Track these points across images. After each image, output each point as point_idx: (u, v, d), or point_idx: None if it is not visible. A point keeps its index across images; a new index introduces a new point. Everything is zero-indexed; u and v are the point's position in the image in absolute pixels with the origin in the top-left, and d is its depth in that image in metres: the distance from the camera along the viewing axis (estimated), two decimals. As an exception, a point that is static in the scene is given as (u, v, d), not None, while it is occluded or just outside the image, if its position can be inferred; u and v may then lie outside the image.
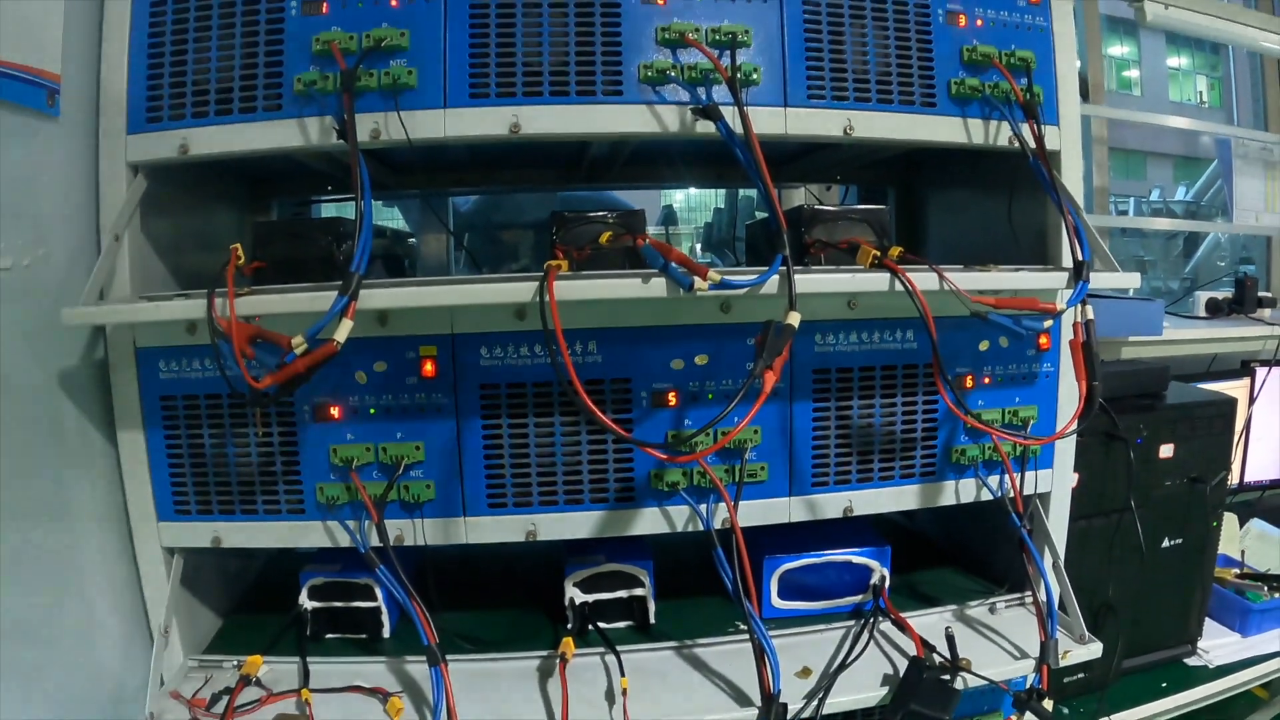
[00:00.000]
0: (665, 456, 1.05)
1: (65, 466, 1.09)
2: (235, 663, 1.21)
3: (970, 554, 1.51)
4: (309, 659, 1.20)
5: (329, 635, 1.29)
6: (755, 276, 0.99)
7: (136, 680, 1.17)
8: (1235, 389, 2.40)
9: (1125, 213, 3.02)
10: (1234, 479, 2.47)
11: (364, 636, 1.28)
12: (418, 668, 1.20)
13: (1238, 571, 2.03)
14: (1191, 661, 1.83)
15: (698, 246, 2.79)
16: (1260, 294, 2.52)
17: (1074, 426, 1.15)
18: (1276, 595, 1.95)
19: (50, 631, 1.06)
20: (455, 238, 2.01)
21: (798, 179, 1.83)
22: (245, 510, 1.15)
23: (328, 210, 1.74)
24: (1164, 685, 1.75)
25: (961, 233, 1.57)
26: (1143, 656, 1.76)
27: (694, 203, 2.52)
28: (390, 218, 2.39)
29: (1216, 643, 1.87)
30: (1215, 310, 2.49)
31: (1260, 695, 3.15)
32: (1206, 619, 1.90)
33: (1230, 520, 2.25)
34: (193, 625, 1.25)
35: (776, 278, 1.00)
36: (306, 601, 1.27)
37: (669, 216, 2.73)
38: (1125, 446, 1.55)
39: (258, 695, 1.15)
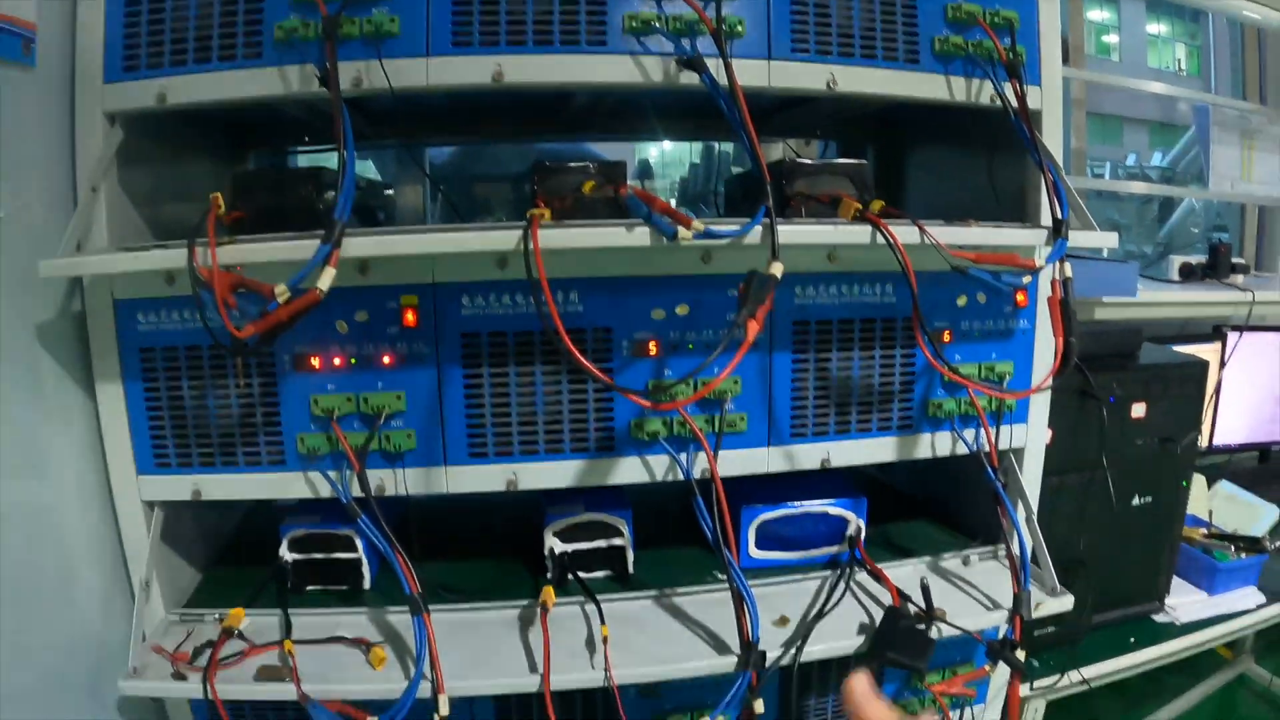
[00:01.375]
0: (648, 403, 1.06)
1: (43, 421, 1.09)
2: (217, 616, 1.22)
3: (943, 508, 1.55)
4: (290, 611, 1.21)
5: (310, 587, 1.30)
6: (739, 227, 1.00)
7: (118, 636, 1.17)
8: (1206, 352, 2.44)
9: (1101, 176, 3.06)
10: (1204, 441, 2.53)
11: (345, 588, 1.30)
12: (399, 618, 1.22)
13: (1205, 531, 2.08)
14: (1159, 618, 1.88)
15: (673, 201, 2.81)
16: (1234, 260, 2.57)
17: (1050, 381, 1.18)
18: (1243, 555, 2.00)
19: (31, 589, 1.07)
20: (433, 187, 2.00)
21: (777, 134, 1.84)
22: (225, 462, 1.15)
23: (305, 161, 1.74)
24: (1132, 640, 1.79)
25: (940, 191, 1.59)
26: (1112, 612, 1.80)
27: (669, 158, 2.53)
28: (363, 169, 2.38)
29: (1184, 600, 1.92)
30: (1189, 274, 2.54)
31: (1224, 654, 3.24)
32: (1174, 577, 1.95)
33: (1199, 481, 2.30)
34: (173, 579, 1.25)
35: (760, 228, 1.01)
36: (287, 554, 1.28)
37: (645, 170, 2.73)
38: (1098, 405, 1.58)
39: (240, 648, 1.16)
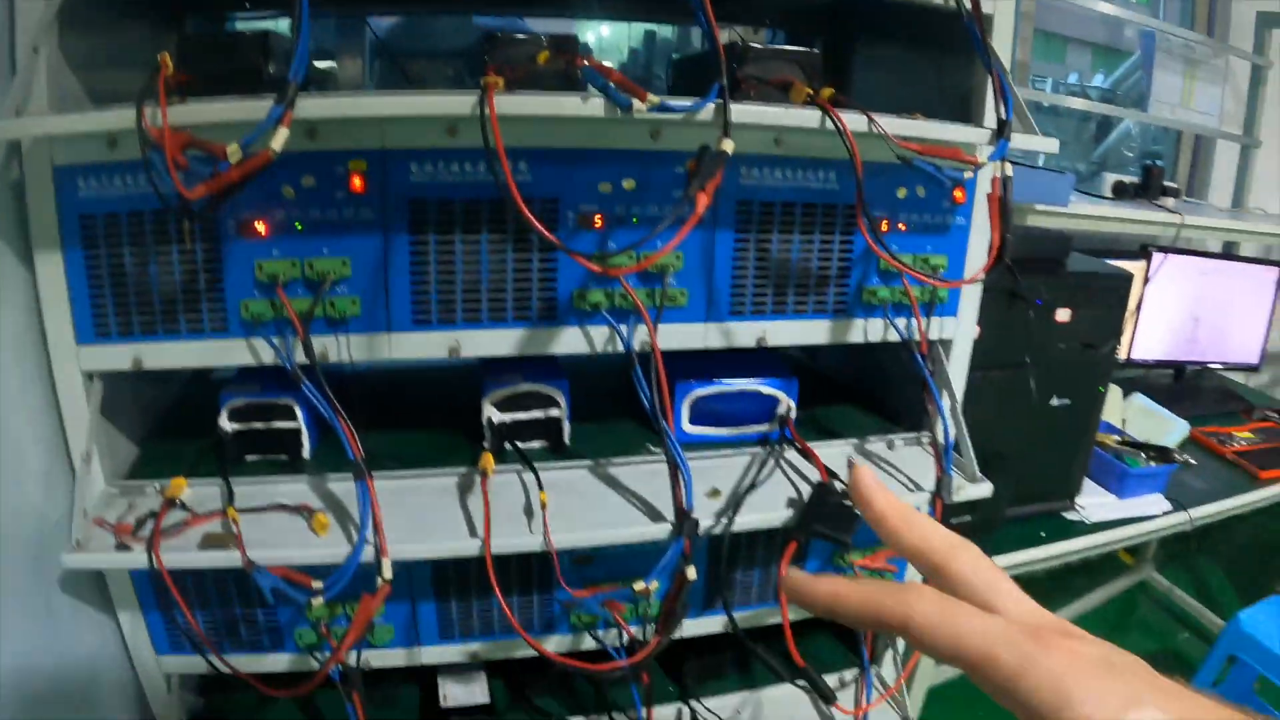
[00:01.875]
0: (597, 267, 1.08)
1: None
2: (158, 487, 1.22)
3: (870, 395, 1.61)
4: (231, 480, 1.22)
5: (249, 457, 1.31)
6: (693, 102, 1.02)
7: (59, 511, 1.18)
8: (1131, 270, 2.55)
9: (1043, 90, 3.13)
10: (1122, 354, 2.64)
11: (284, 457, 1.31)
12: (339, 485, 1.24)
13: (1118, 439, 2.19)
14: (1070, 515, 2.00)
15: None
16: (1165, 183, 2.65)
17: (984, 274, 1.24)
18: (1153, 463, 2.11)
19: None
20: (378, 57, 1.98)
21: (725, 19, 1.84)
22: (167, 330, 1.14)
23: (241, 27, 1.70)
24: (1043, 535, 1.91)
25: (887, 88, 1.61)
26: (1025, 506, 1.91)
27: (607, 43, 2.50)
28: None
29: (1094, 501, 2.04)
30: (1121, 192, 2.61)
31: (1127, 560, 3.43)
32: (1087, 480, 2.06)
33: (1115, 392, 2.43)
34: (112, 453, 1.25)
35: (712, 106, 1.03)
36: (226, 423, 1.28)
37: (585, 51, 2.73)
38: (1026, 306, 1.65)
39: (183, 518, 1.16)
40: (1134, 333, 2.65)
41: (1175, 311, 2.74)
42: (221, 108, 0.98)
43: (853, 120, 1.09)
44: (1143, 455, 2.12)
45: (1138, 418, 2.42)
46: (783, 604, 1.32)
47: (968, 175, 1.25)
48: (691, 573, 1.15)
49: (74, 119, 1.01)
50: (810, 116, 1.09)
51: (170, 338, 1.15)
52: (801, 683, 1.41)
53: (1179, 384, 2.88)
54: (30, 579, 1.15)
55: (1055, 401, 1.81)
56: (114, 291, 1.13)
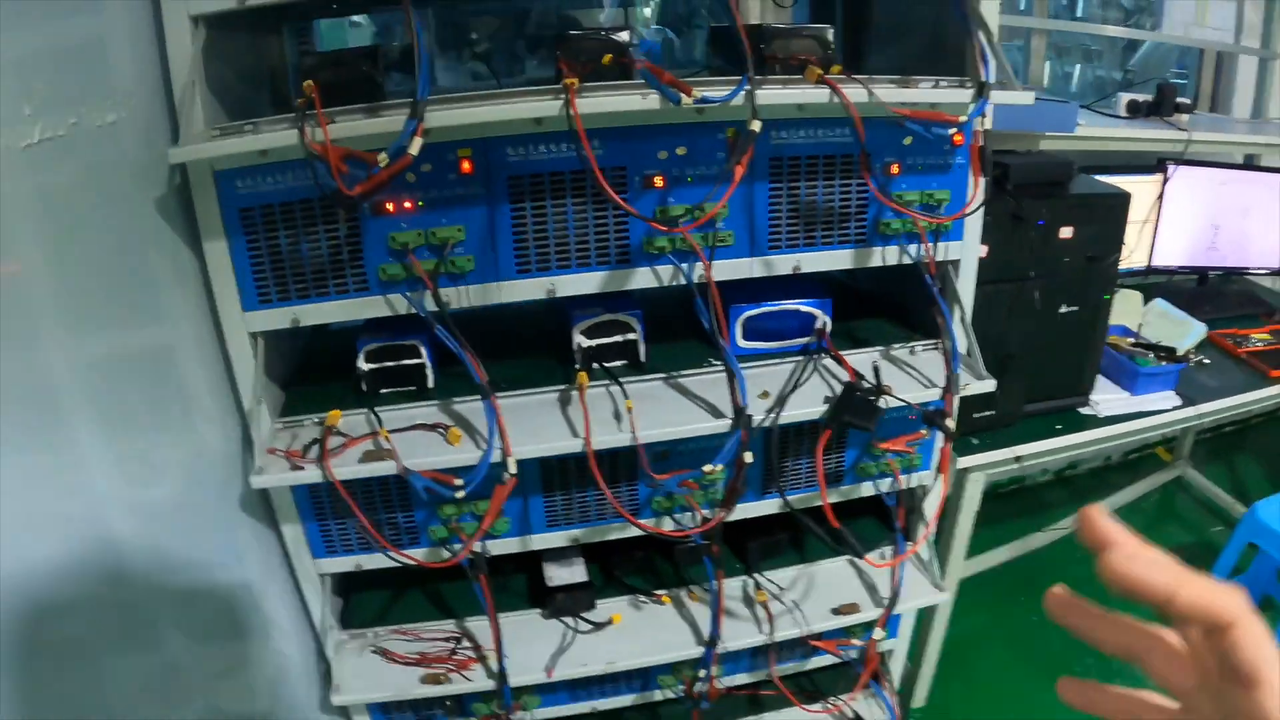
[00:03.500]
0: (663, 226, 1.42)
1: (162, 279, 1.38)
2: (316, 419, 1.57)
3: (898, 308, 1.89)
4: (375, 410, 1.58)
5: (384, 390, 1.64)
6: (727, 93, 1.33)
7: (234, 448, 1.53)
8: (1152, 182, 2.82)
9: (1075, 3, 3.37)
10: (1145, 262, 2.91)
11: (413, 388, 1.64)
12: (463, 405, 1.59)
13: (1132, 341, 2.47)
14: (1085, 410, 2.28)
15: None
16: (1179, 99, 2.88)
17: (969, 210, 1.57)
18: (1163, 362, 2.39)
19: (160, 418, 1.36)
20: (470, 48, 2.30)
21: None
22: (319, 294, 1.47)
23: (326, 25, 2.03)
24: (1058, 427, 2.20)
25: (900, 49, 1.85)
26: (1042, 403, 2.21)
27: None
28: (361, 36, 2.66)
29: (1107, 397, 2.32)
30: (1135, 111, 2.84)
31: (1165, 457, 3.71)
32: (1102, 379, 2.34)
33: (1135, 297, 2.69)
34: (270, 397, 1.58)
35: (743, 94, 1.34)
36: (364, 364, 1.61)
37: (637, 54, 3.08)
38: (1028, 227, 1.95)
39: (340, 442, 1.51)
40: (1154, 241, 2.91)
41: (1195, 220, 2.99)
42: (369, 123, 1.31)
43: (854, 93, 1.40)
44: (1153, 355, 2.40)
45: (1157, 321, 2.68)
46: (821, 482, 1.64)
47: (952, 131, 1.53)
48: (749, 457, 1.51)
49: (246, 140, 1.32)
50: (820, 94, 1.41)
51: (321, 299, 1.48)
52: (845, 554, 1.76)
53: (1202, 288, 3.13)
54: (217, 502, 1.52)
55: (1064, 309, 2.09)
56: (272, 266, 1.46)
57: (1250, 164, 3.26)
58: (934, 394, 1.64)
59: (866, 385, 1.59)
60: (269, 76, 1.81)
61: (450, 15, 2.58)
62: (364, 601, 1.86)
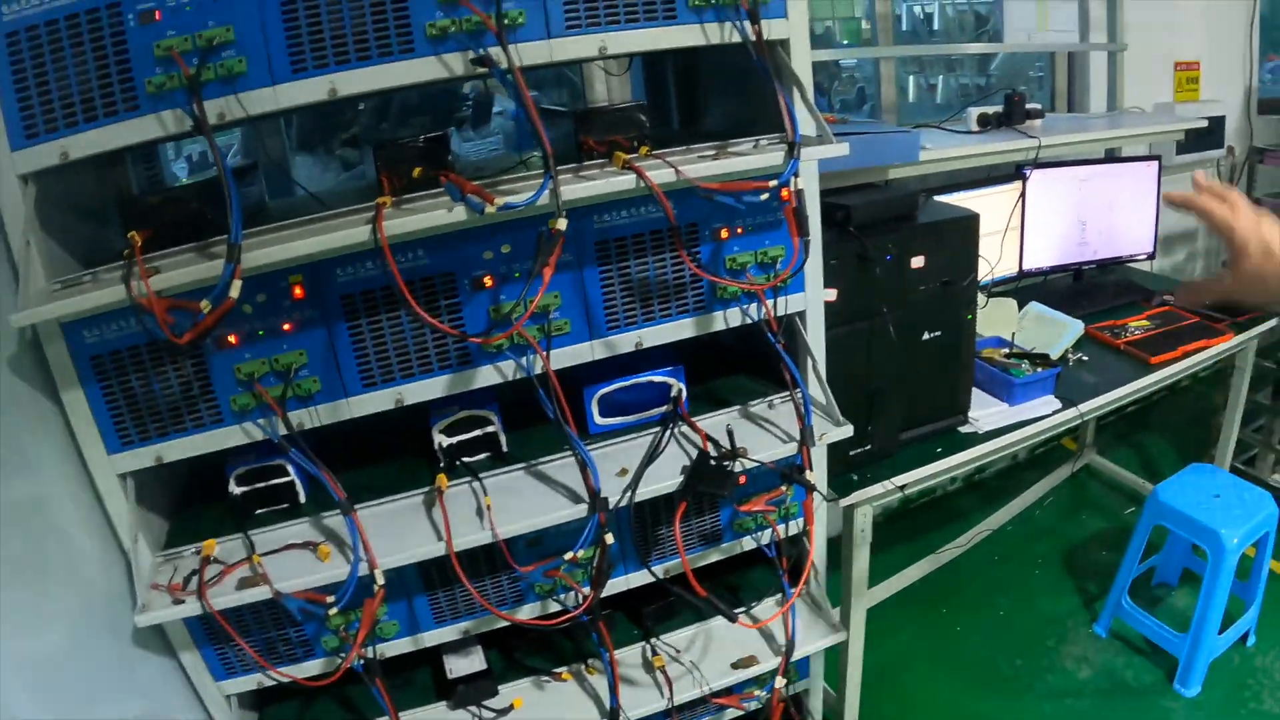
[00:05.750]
0: (481, 340, 1.49)
1: (24, 433, 1.41)
2: (193, 550, 1.60)
3: (758, 361, 1.93)
4: (248, 532, 1.60)
5: (259, 511, 1.67)
6: (529, 196, 1.38)
7: (117, 587, 1.56)
8: (1013, 190, 2.94)
9: (931, 16, 3.50)
10: (1014, 269, 3.02)
11: (286, 506, 1.68)
12: (332, 520, 1.63)
13: (1006, 351, 2.55)
14: (965, 429, 2.35)
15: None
16: (1028, 106, 3.00)
17: (788, 274, 1.65)
18: (1038, 369, 2.47)
19: (40, 567, 1.40)
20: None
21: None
22: (176, 430, 1.50)
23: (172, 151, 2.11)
24: (939, 450, 2.27)
25: (730, 107, 1.95)
26: (921, 428, 2.28)
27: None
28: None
29: (987, 412, 2.40)
30: (986, 124, 2.94)
31: (1070, 446, 3.83)
32: (981, 393, 2.43)
33: (1010, 305, 2.79)
34: (150, 530, 1.61)
35: (547, 194, 1.39)
36: (235, 488, 1.64)
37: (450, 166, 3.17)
38: (876, 263, 2.02)
39: (218, 570, 1.54)
40: (1021, 246, 3.02)
41: (1061, 219, 3.11)
42: (188, 272, 1.35)
43: (660, 175, 1.46)
44: (1027, 364, 2.48)
45: (1033, 326, 2.78)
46: (681, 553, 1.67)
47: (763, 197, 1.55)
48: (609, 538, 1.56)
49: (81, 300, 1.33)
50: (626, 180, 1.46)
51: (180, 435, 1.52)
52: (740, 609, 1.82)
53: (1079, 284, 3.26)
54: (110, 642, 1.55)
55: (926, 336, 2.17)
56: (129, 409, 1.49)
57: (1111, 156, 3.40)
58: (792, 448, 1.71)
59: (723, 449, 1.65)
60: (119, 203, 1.79)
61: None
62: (277, 714, 1.88)
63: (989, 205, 2.86)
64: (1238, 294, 1.11)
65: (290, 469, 1.67)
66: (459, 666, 1.86)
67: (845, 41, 3.47)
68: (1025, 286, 3.12)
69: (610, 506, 1.58)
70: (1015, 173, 2.96)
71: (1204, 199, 1.09)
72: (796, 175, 1.55)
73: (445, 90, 2.84)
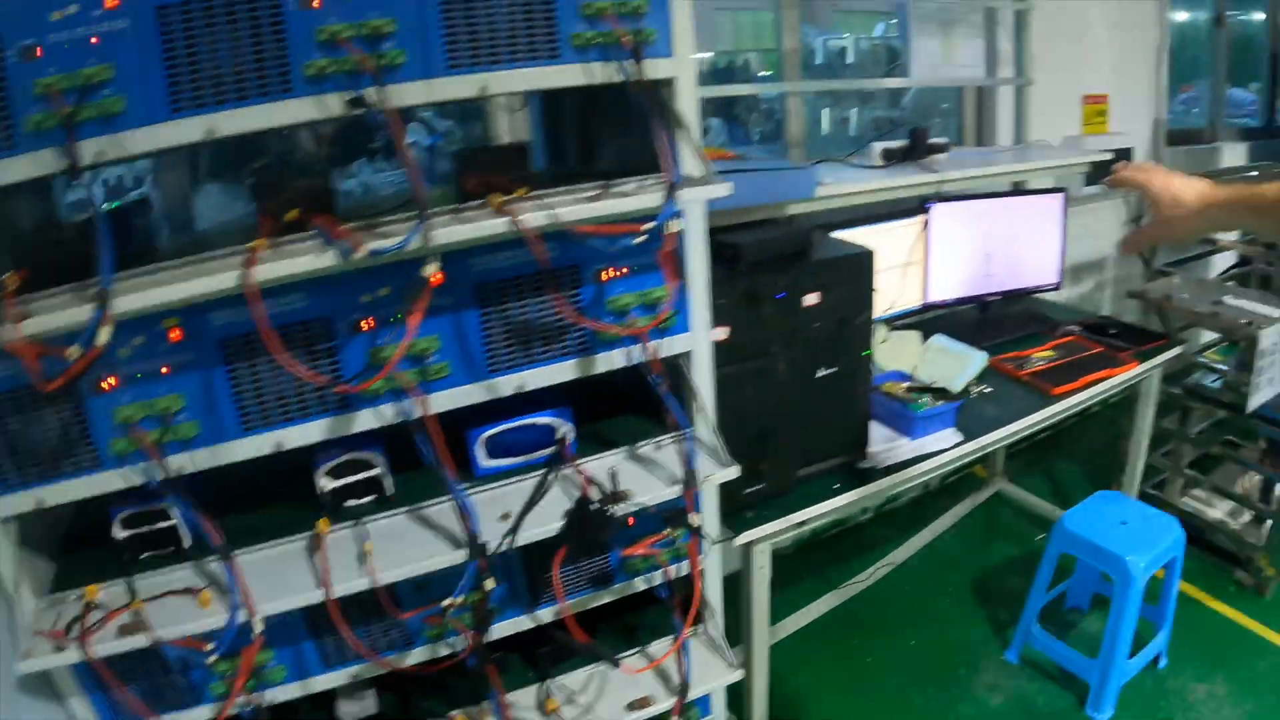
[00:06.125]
0: (348, 388, 1.50)
1: None
2: (76, 595, 1.58)
3: (651, 401, 1.88)
4: (132, 577, 1.59)
5: (143, 555, 1.65)
6: (399, 240, 1.40)
7: (2, 632, 1.54)
8: (917, 223, 3.00)
9: (845, 50, 3.58)
10: (918, 301, 3.09)
11: (171, 549, 1.66)
12: (216, 565, 1.60)
13: (907, 386, 2.59)
14: (864, 464, 2.37)
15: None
16: (932, 140, 3.07)
17: (664, 318, 1.67)
18: (939, 403, 2.51)
19: None
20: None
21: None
22: (55, 475, 1.49)
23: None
24: (836, 486, 2.30)
25: (628, 142, 1.93)
26: (818, 465, 2.31)
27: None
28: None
29: (887, 447, 2.43)
30: (890, 158, 3.00)
31: (980, 474, 3.90)
32: (882, 428, 2.46)
33: (913, 338, 2.85)
34: (35, 575, 1.59)
35: (418, 239, 1.41)
36: (120, 532, 1.62)
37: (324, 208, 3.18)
38: (767, 302, 2.05)
39: (100, 616, 1.52)
40: (925, 279, 3.09)
41: (966, 251, 3.18)
42: (57, 317, 1.34)
43: (535, 218, 1.49)
44: (928, 397, 2.53)
45: (936, 358, 2.83)
46: (560, 598, 1.71)
47: (638, 240, 1.58)
48: (489, 584, 1.57)
49: None
50: (499, 224, 1.48)
51: (60, 479, 1.50)
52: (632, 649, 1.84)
53: (984, 315, 3.33)
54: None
55: (821, 373, 2.20)
56: (8, 451, 1.47)
57: (1017, 189, 3.48)
58: (677, 490, 1.73)
59: (605, 493, 1.67)
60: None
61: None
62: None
63: (893, 238, 2.93)
64: (1159, 236, 1.70)
65: (174, 512, 1.65)
66: (350, 711, 1.85)
67: (767, 72, 3.52)
68: (931, 318, 3.19)
69: (489, 552, 1.58)
70: (919, 206, 3.02)
71: (1129, 172, 1.50)
72: (676, 216, 1.58)
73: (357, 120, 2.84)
